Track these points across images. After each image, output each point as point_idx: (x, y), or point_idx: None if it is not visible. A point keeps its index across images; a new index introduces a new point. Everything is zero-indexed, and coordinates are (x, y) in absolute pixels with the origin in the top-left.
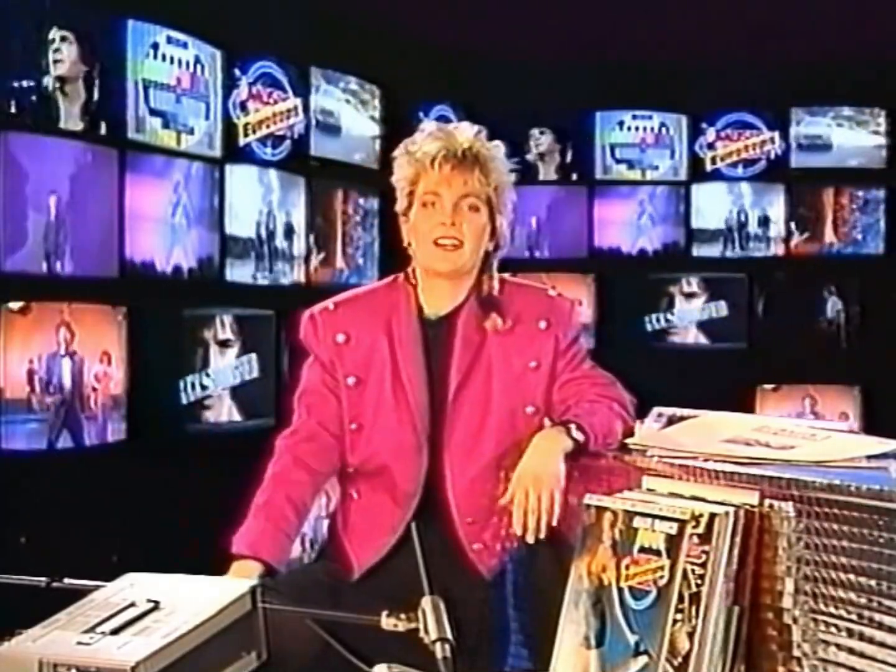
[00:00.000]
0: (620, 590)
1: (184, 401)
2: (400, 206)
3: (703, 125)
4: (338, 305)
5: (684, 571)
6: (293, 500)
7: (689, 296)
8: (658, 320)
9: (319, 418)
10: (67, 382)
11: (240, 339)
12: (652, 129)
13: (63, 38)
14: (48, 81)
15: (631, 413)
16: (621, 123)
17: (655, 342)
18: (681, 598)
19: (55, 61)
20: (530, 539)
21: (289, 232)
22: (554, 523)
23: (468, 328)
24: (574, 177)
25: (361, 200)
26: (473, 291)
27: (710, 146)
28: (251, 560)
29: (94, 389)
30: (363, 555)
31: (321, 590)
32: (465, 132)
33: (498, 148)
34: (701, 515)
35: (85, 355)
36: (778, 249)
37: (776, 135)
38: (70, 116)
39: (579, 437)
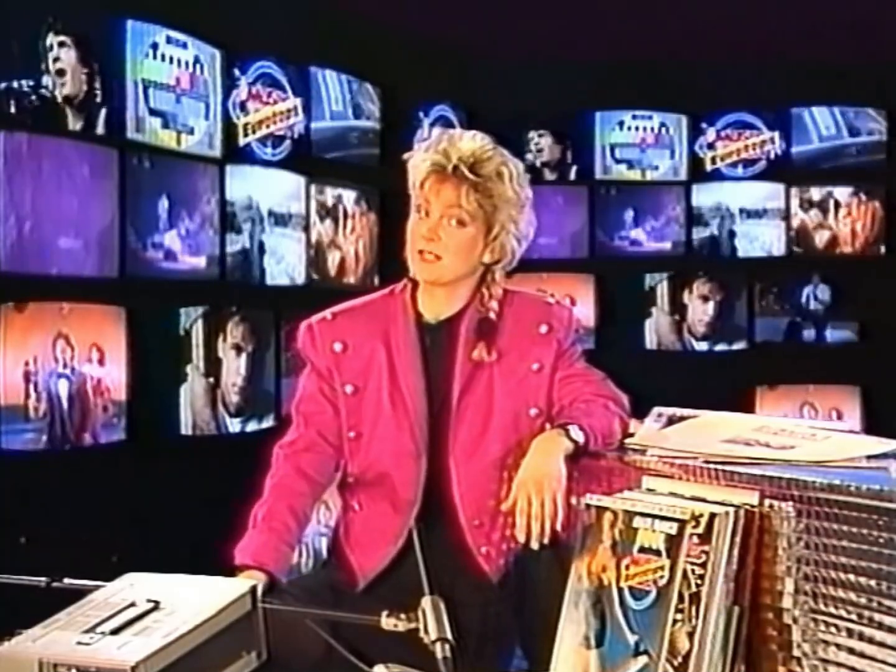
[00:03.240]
0: (620, 590)
1: (183, 401)
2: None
3: (703, 125)
4: (335, 315)
5: (684, 571)
6: (295, 510)
7: (689, 295)
8: (658, 320)
9: (318, 428)
10: (67, 383)
11: (239, 339)
12: (652, 129)
13: (62, 44)
14: (48, 81)
15: (626, 410)
16: (621, 123)
17: (656, 342)
18: (681, 598)
19: (57, 70)
20: (534, 545)
21: (289, 232)
22: (558, 528)
23: (470, 333)
24: (574, 177)
25: (361, 200)
26: (475, 297)
27: (710, 146)
28: (256, 571)
29: (94, 390)
30: (367, 565)
31: (330, 593)
32: (468, 144)
33: (506, 159)
34: (701, 515)
35: (84, 356)
36: (778, 249)
37: (776, 135)
38: (70, 117)
39: (579, 438)
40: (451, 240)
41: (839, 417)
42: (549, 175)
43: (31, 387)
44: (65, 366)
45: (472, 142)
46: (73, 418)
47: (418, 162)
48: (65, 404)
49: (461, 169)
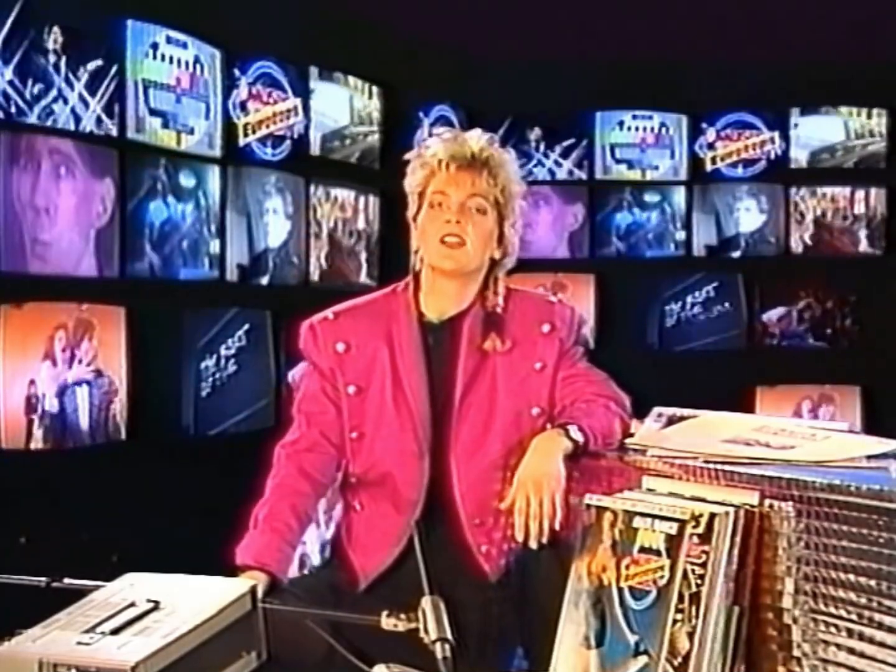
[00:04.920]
0: (620, 590)
1: (183, 400)
2: (411, 212)
3: (703, 125)
4: (337, 315)
5: (684, 571)
6: (297, 510)
7: (689, 296)
8: (658, 320)
9: (320, 428)
10: (67, 382)
11: (238, 339)
12: (652, 129)
13: (62, 43)
14: (48, 81)
15: (628, 411)
16: (621, 123)
17: (656, 342)
18: (681, 598)
19: (55, 66)
20: (533, 545)
21: (289, 232)
22: (556, 527)
23: (473, 333)
24: (574, 177)
25: (361, 200)
26: (479, 297)
27: (710, 146)
28: (257, 571)
29: (95, 389)
30: (368, 565)
31: (331, 593)
32: (477, 138)
33: (509, 155)
34: (701, 515)
35: (84, 355)
36: (778, 249)
37: (776, 135)
38: (70, 117)
39: (579, 438)
40: (475, 227)
41: (845, 418)
42: (549, 175)
43: (35, 403)
44: (73, 355)
45: (479, 135)
46: (73, 418)
47: (429, 156)
48: (65, 404)
49: (483, 154)
